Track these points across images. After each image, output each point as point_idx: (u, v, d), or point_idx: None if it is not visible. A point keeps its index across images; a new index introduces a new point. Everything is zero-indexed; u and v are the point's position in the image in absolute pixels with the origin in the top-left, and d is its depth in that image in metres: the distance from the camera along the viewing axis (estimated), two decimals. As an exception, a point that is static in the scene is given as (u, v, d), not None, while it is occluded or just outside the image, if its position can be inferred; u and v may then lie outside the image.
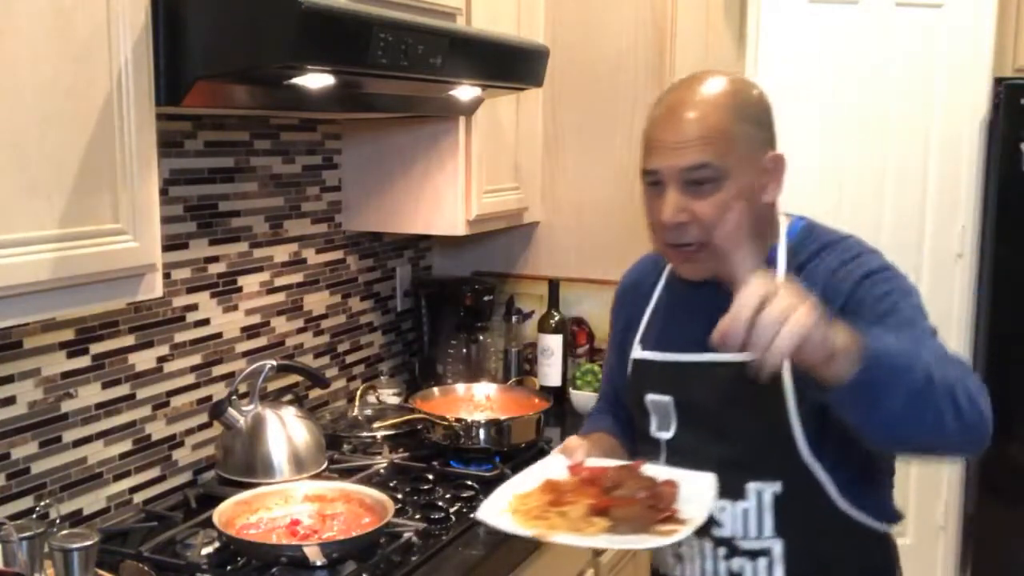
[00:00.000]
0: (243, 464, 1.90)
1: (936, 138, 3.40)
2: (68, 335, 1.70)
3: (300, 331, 2.30)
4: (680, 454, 1.40)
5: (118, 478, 1.82)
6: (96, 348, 1.76)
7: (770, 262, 1.37)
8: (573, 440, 1.41)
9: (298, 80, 1.57)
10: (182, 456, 1.97)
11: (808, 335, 1.02)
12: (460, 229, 2.35)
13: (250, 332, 2.14)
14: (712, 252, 1.28)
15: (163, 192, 1.84)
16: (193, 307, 1.98)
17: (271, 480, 1.86)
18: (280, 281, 2.23)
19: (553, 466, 1.35)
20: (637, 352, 1.50)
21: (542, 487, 1.28)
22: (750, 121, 1.34)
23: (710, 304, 1.20)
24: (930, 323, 1.30)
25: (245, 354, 2.12)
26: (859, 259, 1.35)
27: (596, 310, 2.71)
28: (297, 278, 2.28)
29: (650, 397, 1.46)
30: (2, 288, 1.20)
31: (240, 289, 2.10)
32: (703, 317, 1.21)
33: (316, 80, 1.58)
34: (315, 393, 2.34)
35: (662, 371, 1.45)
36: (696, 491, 1.25)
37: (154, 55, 1.39)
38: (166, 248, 1.62)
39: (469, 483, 1.96)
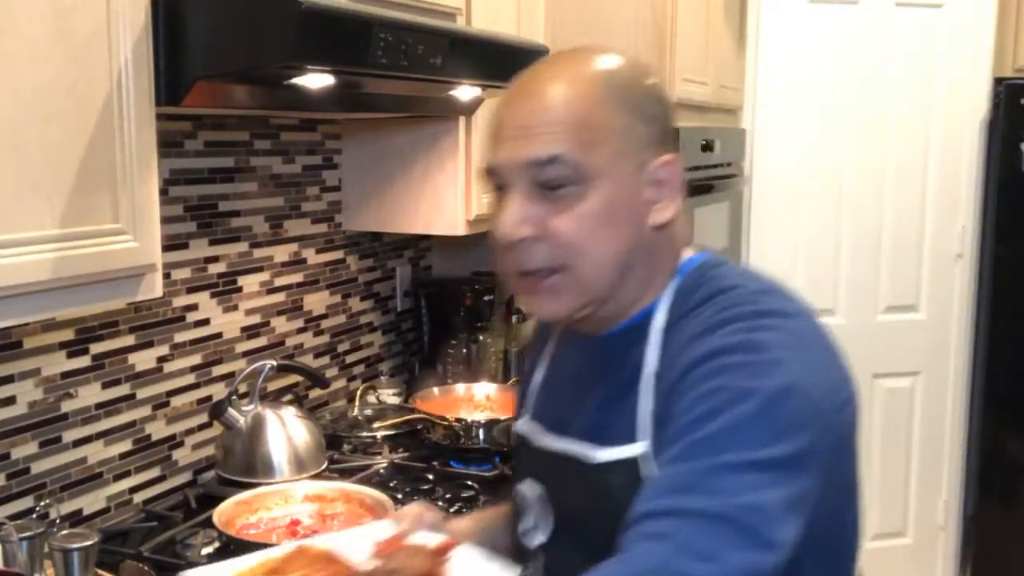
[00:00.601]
0: (243, 464, 1.90)
1: (936, 138, 3.40)
2: (68, 335, 1.70)
3: (300, 331, 2.30)
4: (555, 569, 1.07)
5: (118, 478, 1.82)
6: (96, 348, 1.76)
7: (648, 314, 1.02)
8: (414, 507, 1.17)
9: (298, 80, 1.57)
10: (182, 456, 1.97)
11: None
12: (460, 229, 2.35)
13: (250, 332, 2.14)
14: (573, 285, 0.98)
15: (163, 192, 1.84)
16: (193, 307, 1.98)
17: (271, 480, 1.86)
18: (280, 281, 2.23)
19: (377, 533, 1.12)
20: (518, 422, 1.16)
21: (263, 566, 1.06)
22: (632, 111, 0.99)
23: (584, 367, 1.02)
24: (758, 451, 0.84)
25: (245, 354, 2.12)
26: (717, 331, 0.92)
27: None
28: (297, 278, 2.28)
29: (520, 487, 1.11)
30: (2, 288, 1.19)
31: (240, 289, 2.10)
32: (575, 387, 1.03)
33: (316, 80, 1.58)
34: (315, 393, 2.34)
35: (535, 455, 1.10)
36: None
37: (154, 55, 1.39)
38: (166, 248, 1.62)
39: (469, 483, 1.96)
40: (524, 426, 1.13)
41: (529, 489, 1.10)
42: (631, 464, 0.95)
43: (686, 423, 0.87)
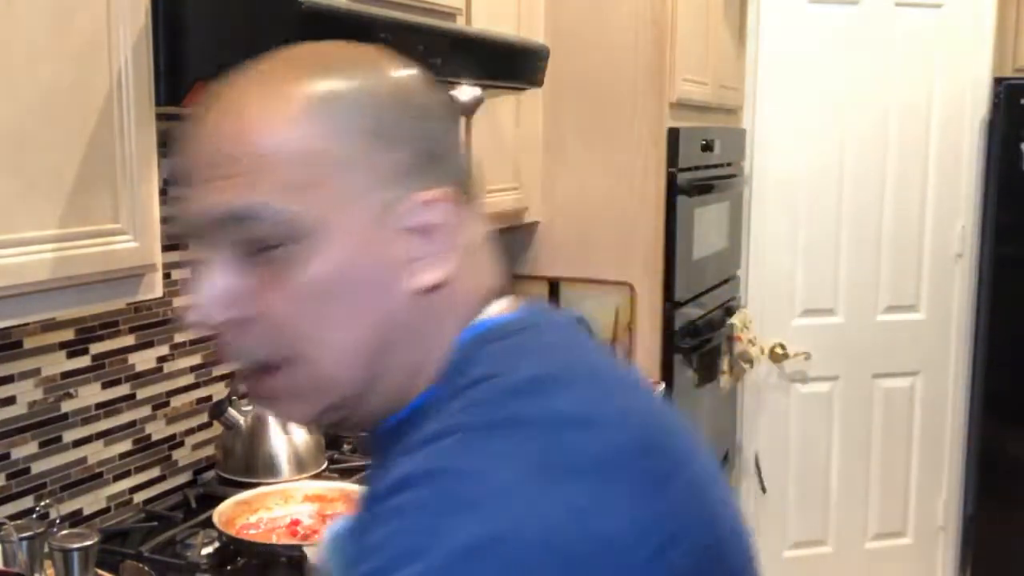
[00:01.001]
0: (243, 464, 1.90)
1: (936, 138, 3.40)
2: (68, 335, 1.70)
3: (300, 331, 2.30)
4: None
5: (118, 478, 1.82)
6: (96, 348, 1.76)
7: (405, 426, 0.71)
8: None
9: (298, 80, 1.57)
10: (182, 456, 1.97)
11: None
12: (460, 229, 2.34)
13: (250, 332, 2.14)
14: (307, 383, 0.70)
15: (163, 192, 1.84)
16: (193, 307, 1.97)
17: (271, 480, 1.86)
18: (280, 281, 2.23)
19: None
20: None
21: None
22: (362, 132, 0.69)
23: (367, 475, 0.76)
24: None
25: (245, 354, 2.12)
26: (426, 446, 0.62)
27: (596, 310, 2.71)
28: (297, 278, 2.28)
29: None
30: (2, 288, 1.19)
31: (240, 289, 2.10)
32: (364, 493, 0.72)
33: (316, 80, 1.58)
34: (315, 393, 2.34)
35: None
36: None
37: (154, 55, 1.39)
38: (166, 248, 1.62)
39: (469, 483, 1.95)
40: (329, 536, 0.81)
41: None
42: None
43: None
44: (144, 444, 1.88)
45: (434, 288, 0.70)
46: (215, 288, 0.69)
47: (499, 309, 0.74)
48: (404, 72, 0.74)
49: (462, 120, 2.28)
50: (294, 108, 0.68)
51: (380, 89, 0.71)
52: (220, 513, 1.64)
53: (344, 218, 0.68)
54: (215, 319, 0.69)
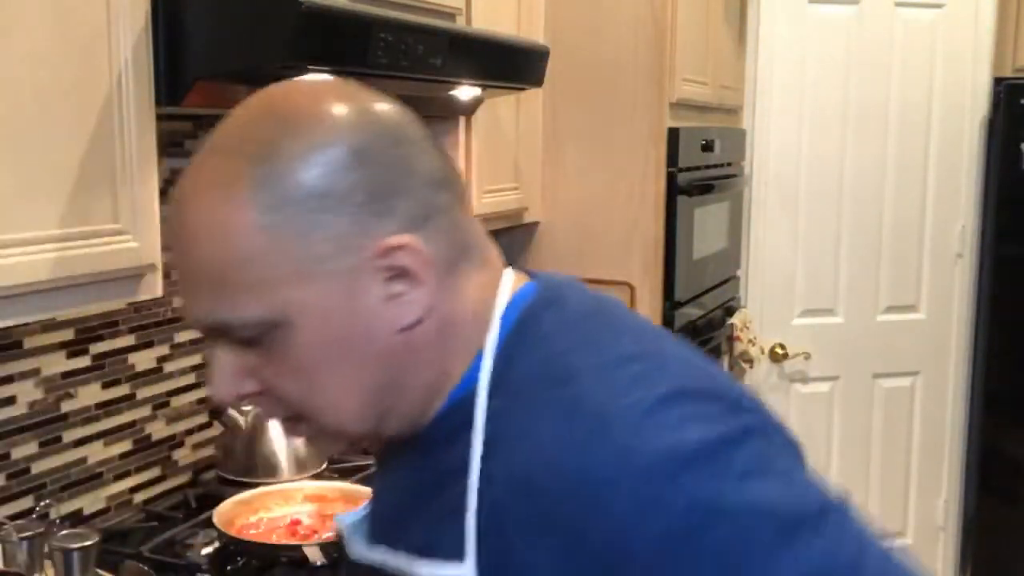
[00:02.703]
0: (243, 464, 1.90)
1: (936, 138, 3.40)
2: (68, 335, 1.70)
3: (300, 331, 2.30)
4: None
5: (118, 478, 1.82)
6: (96, 348, 1.76)
7: (466, 391, 0.75)
8: None
9: (298, 80, 1.57)
10: (182, 456, 1.97)
11: None
12: (460, 229, 2.34)
13: (250, 332, 2.14)
14: (325, 432, 0.77)
15: (163, 192, 1.84)
16: (193, 307, 1.97)
17: (271, 480, 1.86)
18: (280, 281, 2.22)
19: None
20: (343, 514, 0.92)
21: None
22: (307, 211, 0.69)
23: (407, 467, 0.81)
24: None
25: (245, 354, 2.12)
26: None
27: (596, 310, 2.71)
28: (297, 278, 2.28)
29: None
30: (2, 288, 1.19)
31: (240, 289, 2.10)
32: (401, 490, 0.81)
33: (316, 80, 1.58)
34: (315, 393, 2.34)
35: (357, 567, 0.88)
36: None
37: (154, 55, 1.39)
38: (166, 248, 1.62)
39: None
40: (347, 526, 0.87)
41: None
42: None
43: None
44: (144, 444, 1.88)
45: (416, 324, 0.72)
46: (224, 372, 0.74)
47: (510, 288, 0.78)
48: (345, 116, 0.72)
49: (462, 120, 2.28)
50: (233, 209, 0.69)
51: (322, 150, 0.69)
52: (220, 513, 1.63)
53: (309, 295, 0.70)
54: (230, 398, 0.76)
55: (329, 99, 0.73)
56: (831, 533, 0.66)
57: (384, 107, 0.75)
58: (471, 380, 0.75)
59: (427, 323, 0.73)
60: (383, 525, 0.83)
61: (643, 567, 0.64)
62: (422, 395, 0.76)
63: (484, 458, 0.72)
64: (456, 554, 0.72)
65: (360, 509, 0.88)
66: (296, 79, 0.77)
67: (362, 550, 0.84)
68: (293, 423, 0.78)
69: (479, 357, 0.75)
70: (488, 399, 0.74)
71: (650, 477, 0.64)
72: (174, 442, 1.95)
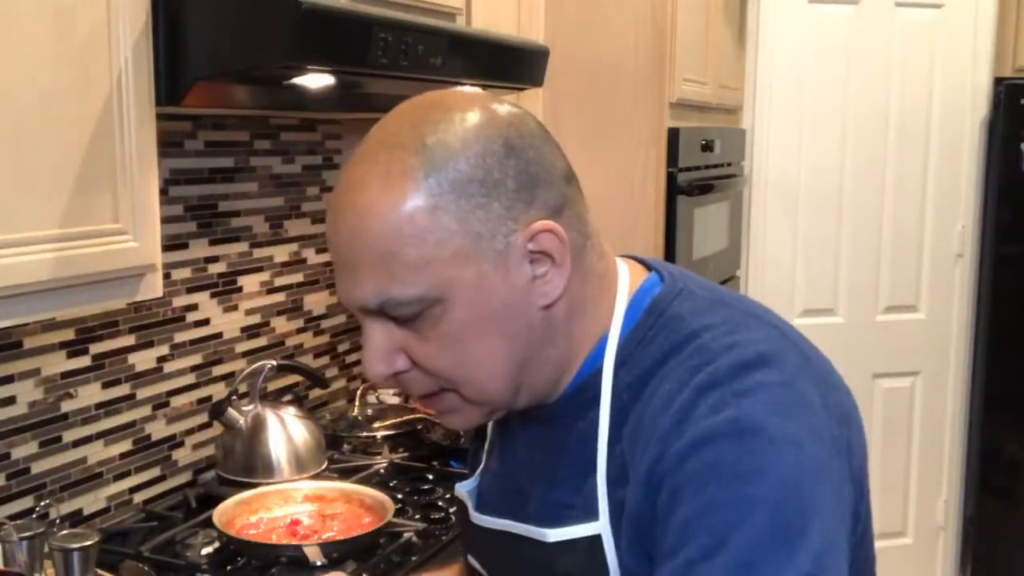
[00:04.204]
0: (243, 464, 1.90)
1: (936, 138, 3.40)
2: (68, 335, 1.70)
3: (300, 331, 2.30)
4: None
5: (118, 478, 1.82)
6: (96, 348, 1.76)
7: (593, 369, 0.85)
8: None
9: (298, 80, 1.57)
10: (182, 456, 1.97)
11: None
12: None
13: (250, 332, 2.14)
14: (469, 401, 0.84)
15: (163, 192, 1.84)
16: (193, 307, 1.97)
17: (271, 480, 1.86)
18: (280, 281, 2.23)
19: None
20: (463, 483, 1.01)
21: None
22: (465, 197, 0.77)
23: (533, 439, 0.90)
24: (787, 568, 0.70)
25: (245, 354, 2.12)
26: (696, 407, 0.76)
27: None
28: (297, 278, 2.28)
29: (471, 560, 1.00)
30: (2, 288, 1.19)
31: (240, 289, 2.10)
32: (525, 461, 0.91)
33: (316, 80, 1.58)
34: (315, 393, 2.34)
35: (477, 532, 0.97)
36: None
37: (154, 55, 1.39)
38: (166, 248, 1.62)
39: (469, 483, 1.96)
40: (467, 493, 0.98)
41: (474, 565, 0.98)
42: (588, 544, 0.82)
43: (690, 556, 0.72)
44: (144, 444, 1.88)
45: (555, 302, 0.81)
46: (379, 351, 0.81)
47: (630, 269, 0.89)
48: (496, 114, 0.81)
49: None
50: (402, 194, 0.76)
51: (479, 142, 0.78)
52: (220, 513, 1.63)
53: (467, 273, 0.77)
54: (384, 374, 0.82)
55: (481, 99, 0.82)
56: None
57: (524, 111, 0.84)
58: (597, 357, 0.85)
59: (562, 303, 0.82)
60: (503, 496, 0.92)
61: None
62: (552, 370, 0.84)
63: (613, 422, 0.82)
64: (589, 515, 0.82)
65: (474, 478, 0.98)
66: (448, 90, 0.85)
67: (482, 517, 0.93)
68: (436, 397, 0.84)
69: (605, 337, 0.85)
70: (615, 373, 0.83)
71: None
72: (174, 442, 1.95)
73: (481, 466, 1.00)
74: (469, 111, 0.80)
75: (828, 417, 0.78)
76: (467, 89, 0.86)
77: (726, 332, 0.80)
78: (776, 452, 0.72)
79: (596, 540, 0.81)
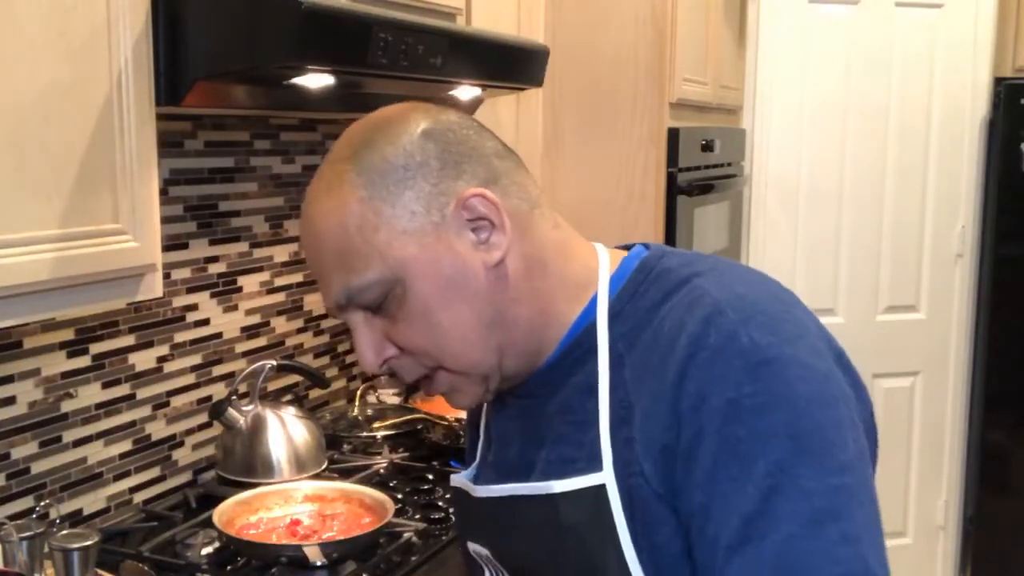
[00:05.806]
0: (243, 464, 1.90)
1: (936, 138, 3.40)
2: (68, 335, 1.70)
3: (300, 331, 2.30)
4: None
5: (118, 478, 1.82)
6: (96, 348, 1.76)
7: (582, 327, 0.90)
8: None
9: (298, 80, 1.57)
10: (182, 456, 1.97)
11: None
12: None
13: (250, 332, 2.14)
14: (461, 376, 0.89)
15: (163, 192, 1.84)
16: (193, 307, 1.97)
17: (271, 480, 1.86)
18: (280, 281, 2.23)
19: None
20: (458, 474, 1.04)
21: None
22: (395, 184, 0.85)
23: (531, 403, 0.93)
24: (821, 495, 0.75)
25: (245, 354, 2.12)
26: (706, 335, 0.80)
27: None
28: (297, 278, 2.28)
29: (472, 547, 1.02)
30: (2, 288, 1.19)
31: (240, 289, 2.10)
32: (525, 427, 0.94)
33: (316, 80, 1.58)
34: (315, 393, 2.34)
35: (476, 509, 0.98)
36: None
37: (154, 55, 1.39)
38: (166, 248, 1.62)
39: (469, 483, 1.96)
40: (464, 478, 1.01)
41: (477, 551, 1.00)
42: (594, 494, 0.84)
43: (737, 504, 0.76)
44: (144, 444, 1.88)
45: (501, 261, 0.87)
46: (367, 342, 0.88)
47: (619, 254, 0.94)
48: (415, 112, 0.89)
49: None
50: (340, 196, 0.85)
51: (398, 136, 0.86)
52: (220, 513, 1.63)
53: (412, 249, 0.85)
54: (375, 363, 0.89)
55: (408, 106, 0.91)
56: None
57: (452, 108, 0.92)
58: (588, 314, 0.90)
59: (514, 261, 0.87)
60: (506, 468, 0.96)
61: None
62: (528, 329, 0.89)
63: (612, 368, 0.86)
64: (592, 465, 0.85)
65: (472, 468, 1.02)
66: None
67: (486, 488, 0.96)
68: (432, 380, 0.90)
69: (594, 299, 0.90)
70: (609, 326, 0.88)
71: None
72: (174, 442, 1.95)
73: (478, 459, 1.03)
74: (393, 118, 0.89)
75: (819, 340, 0.83)
76: (402, 103, 0.93)
77: (717, 276, 0.86)
78: (789, 377, 0.77)
79: (601, 490, 0.84)
